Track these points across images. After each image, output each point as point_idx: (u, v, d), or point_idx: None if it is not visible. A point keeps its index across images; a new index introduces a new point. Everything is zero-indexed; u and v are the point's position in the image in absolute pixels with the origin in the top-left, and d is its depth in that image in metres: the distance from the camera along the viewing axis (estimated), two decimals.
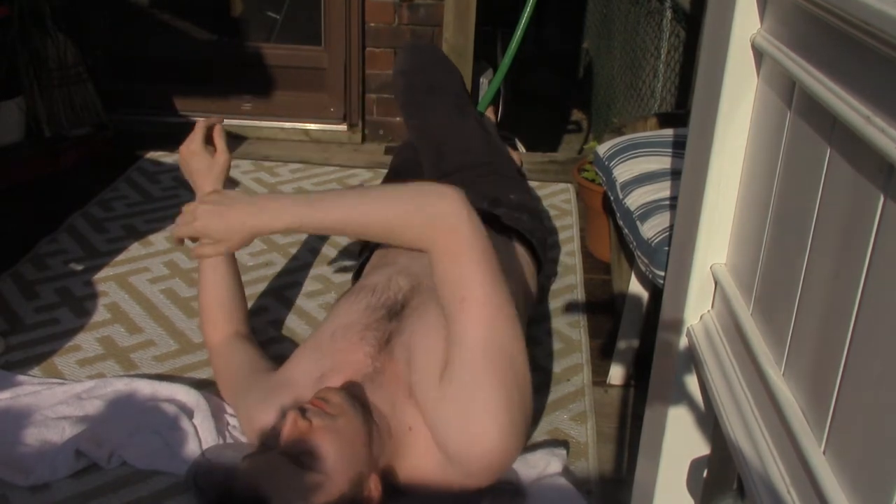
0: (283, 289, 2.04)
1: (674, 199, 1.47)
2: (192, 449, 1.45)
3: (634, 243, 1.48)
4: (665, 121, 2.06)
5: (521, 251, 1.75)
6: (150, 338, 1.82)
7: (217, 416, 1.53)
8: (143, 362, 1.74)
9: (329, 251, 2.20)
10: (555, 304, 2.02)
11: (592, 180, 2.18)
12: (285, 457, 1.17)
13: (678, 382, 1.15)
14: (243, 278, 1.70)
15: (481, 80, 3.19)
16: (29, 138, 2.60)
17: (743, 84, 0.98)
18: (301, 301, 1.99)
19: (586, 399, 1.69)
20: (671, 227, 1.36)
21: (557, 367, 1.78)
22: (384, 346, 1.39)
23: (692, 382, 1.14)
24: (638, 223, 1.48)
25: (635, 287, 1.70)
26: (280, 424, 1.25)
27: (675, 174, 1.54)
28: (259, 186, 2.60)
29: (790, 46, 0.87)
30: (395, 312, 1.45)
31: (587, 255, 2.25)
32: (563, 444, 1.56)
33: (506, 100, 3.33)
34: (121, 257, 2.14)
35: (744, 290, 1.02)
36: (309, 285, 2.06)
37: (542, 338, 1.88)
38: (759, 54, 0.95)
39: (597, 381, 1.75)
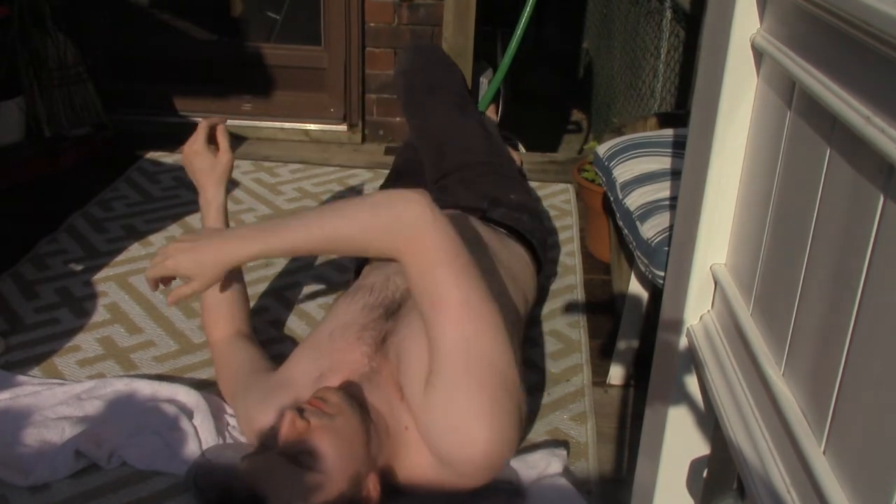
0: (284, 289, 2.04)
1: (674, 199, 1.47)
2: (191, 449, 1.45)
3: (634, 243, 1.48)
4: (665, 121, 2.06)
5: (520, 251, 1.74)
6: (150, 338, 1.82)
7: (217, 416, 1.53)
8: (143, 363, 1.74)
9: None
10: (555, 304, 2.02)
11: (592, 180, 2.18)
12: (284, 457, 1.17)
13: (678, 383, 1.15)
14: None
15: (481, 79, 3.18)
16: (29, 138, 2.60)
17: (743, 84, 0.98)
18: (301, 301, 1.99)
19: (586, 399, 1.68)
20: (671, 227, 1.36)
21: (557, 368, 1.78)
22: (380, 345, 1.39)
23: (692, 383, 1.14)
24: (638, 223, 1.48)
25: (635, 287, 1.70)
26: (279, 424, 1.25)
27: (675, 174, 1.54)
28: (259, 186, 2.60)
29: (790, 46, 0.87)
30: (392, 312, 1.45)
31: (587, 255, 2.25)
32: (563, 444, 1.56)
33: (506, 100, 3.33)
34: (121, 257, 2.14)
35: (744, 290, 1.02)
36: (309, 285, 2.06)
37: (542, 338, 1.88)
38: (758, 54, 0.95)
39: (597, 382, 1.75)
